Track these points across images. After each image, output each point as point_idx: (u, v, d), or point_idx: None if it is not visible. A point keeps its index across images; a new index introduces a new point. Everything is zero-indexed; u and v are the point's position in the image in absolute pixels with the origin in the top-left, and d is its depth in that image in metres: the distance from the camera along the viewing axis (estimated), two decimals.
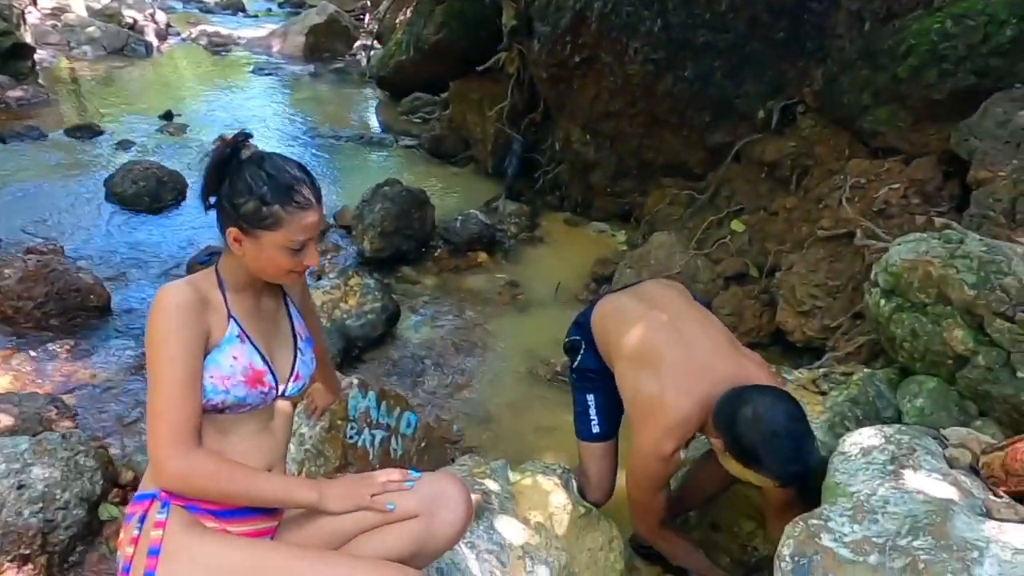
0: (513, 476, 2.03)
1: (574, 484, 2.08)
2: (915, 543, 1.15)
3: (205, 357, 1.29)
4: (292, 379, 1.43)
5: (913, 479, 1.35)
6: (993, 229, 1.99)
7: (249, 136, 1.34)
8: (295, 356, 1.45)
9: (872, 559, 1.16)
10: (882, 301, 1.89)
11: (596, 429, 2.09)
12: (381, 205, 4.01)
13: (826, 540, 1.22)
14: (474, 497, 1.73)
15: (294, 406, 1.54)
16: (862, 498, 1.32)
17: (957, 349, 1.67)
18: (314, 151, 5.78)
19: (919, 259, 1.78)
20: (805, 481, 1.56)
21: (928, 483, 1.33)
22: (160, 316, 1.26)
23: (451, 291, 3.93)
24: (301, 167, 1.33)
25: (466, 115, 5.37)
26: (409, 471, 1.48)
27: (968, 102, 2.60)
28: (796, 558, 1.19)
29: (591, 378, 2.12)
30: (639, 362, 1.86)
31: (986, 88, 2.56)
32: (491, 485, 1.89)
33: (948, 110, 2.68)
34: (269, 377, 1.37)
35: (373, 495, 1.42)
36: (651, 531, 1.94)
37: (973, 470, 1.44)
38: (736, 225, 3.54)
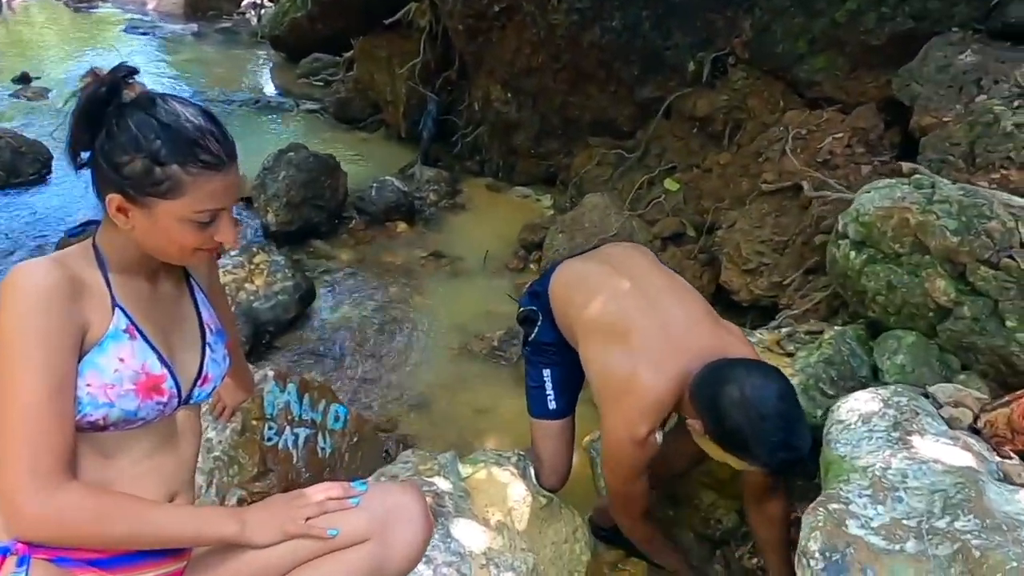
0: (464, 469, 1.80)
1: (531, 471, 1.87)
2: (957, 524, 1.02)
3: (80, 359, 0.96)
4: (199, 383, 1.13)
5: (924, 446, 1.22)
6: (953, 174, 1.91)
7: (134, 72, 0.99)
8: (203, 354, 1.13)
9: (909, 546, 1.02)
10: (852, 253, 1.76)
11: (553, 405, 1.88)
12: (286, 173, 3.60)
13: (853, 528, 1.07)
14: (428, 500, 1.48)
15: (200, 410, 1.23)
16: (877, 473, 1.18)
17: (940, 300, 1.57)
18: None
19: (895, 206, 1.65)
20: (796, 468, 1.41)
21: (941, 450, 1.20)
22: (14, 304, 0.92)
23: (370, 265, 3.60)
24: (207, 114, 1.00)
25: (373, 75, 4.96)
26: (352, 485, 1.21)
27: (905, 48, 2.54)
28: (828, 554, 1.03)
29: (547, 351, 1.90)
30: (606, 336, 1.65)
31: (923, 32, 2.50)
32: (442, 484, 1.64)
33: (885, 57, 2.62)
34: (169, 383, 1.05)
35: (308, 519, 1.14)
36: (633, 523, 1.75)
37: (973, 430, 1.34)
38: (670, 184, 3.40)
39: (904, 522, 1.06)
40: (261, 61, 6.75)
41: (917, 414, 1.31)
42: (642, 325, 1.60)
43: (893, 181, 1.77)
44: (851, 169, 2.43)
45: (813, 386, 1.76)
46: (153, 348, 1.04)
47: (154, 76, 5.88)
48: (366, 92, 5.18)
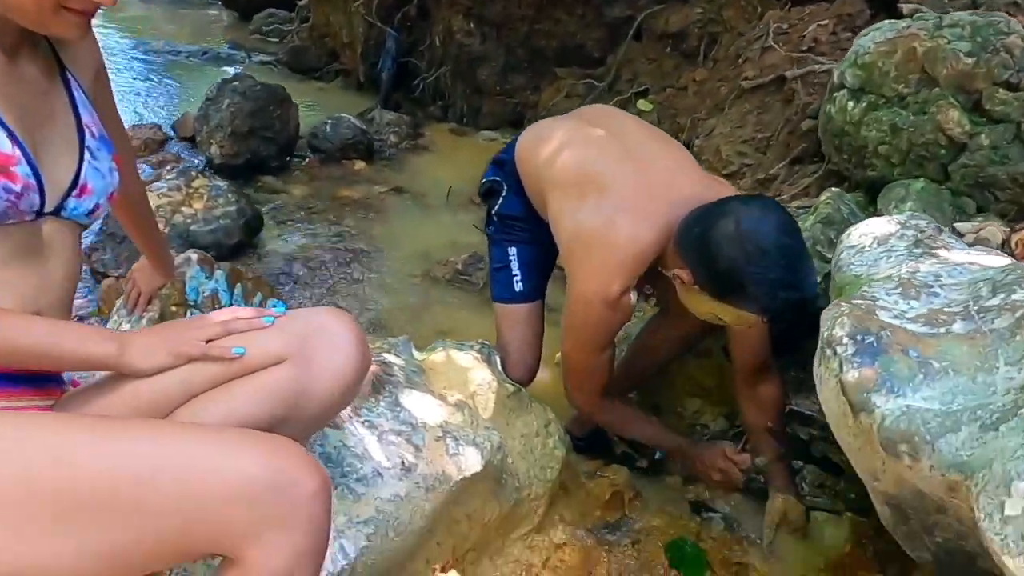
0: (419, 355, 1.57)
1: (496, 360, 1.65)
2: (1014, 297, 0.82)
3: None
4: (75, 193, 0.88)
5: (953, 256, 1.03)
6: None
7: None
8: (80, 159, 0.89)
9: (957, 327, 0.82)
10: (850, 104, 1.58)
11: (519, 287, 1.66)
12: (230, 101, 3.33)
13: (885, 317, 0.87)
14: (373, 371, 1.25)
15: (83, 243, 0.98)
16: (904, 276, 0.98)
17: (953, 134, 1.39)
18: (144, 66, 4.88)
19: (899, 36, 1.47)
20: (798, 313, 1.21)
21: (974, 256, 1.01)
22: None
23: (325, 199, 3.35)
24: None
25: (329, 17, 4.69)
26: (269, 307, 0.98)
27: None
28: (859, 337, 0.83)
29: (513, 227, 1.68)
30: (579, 188, 1.43)
31: None
32: (392, 359, 1.41)
33: None
34: (24, 169, 0.81)
35: (209, 340, 0.91)
36: (591, 403, 1.54)
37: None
38: (643, 105, 3.21)
39: (946, 310, 0.87)
40: (212, 19, 6.43)
41: (941, 232, 1.12)
42: (619, 173, 1.40)
43: (894, 20, 1.58)
44: (838, 55, 2.26)
45: (811, 250, 1.57)
46: (2, 124, 0.81)
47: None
48: (322, 39, 4.91)
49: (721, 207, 1.23)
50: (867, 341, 0.83)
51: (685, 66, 3.22)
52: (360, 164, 3.68)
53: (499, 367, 1.63)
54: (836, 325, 0.88)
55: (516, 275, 1.66)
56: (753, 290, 1.17)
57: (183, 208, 2.70)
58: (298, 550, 0.77)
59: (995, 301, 0.84)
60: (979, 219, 1.39)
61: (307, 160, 3.64)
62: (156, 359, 0.89)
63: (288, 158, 3.58)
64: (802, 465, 1.72)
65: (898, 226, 1.14)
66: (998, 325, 0.81)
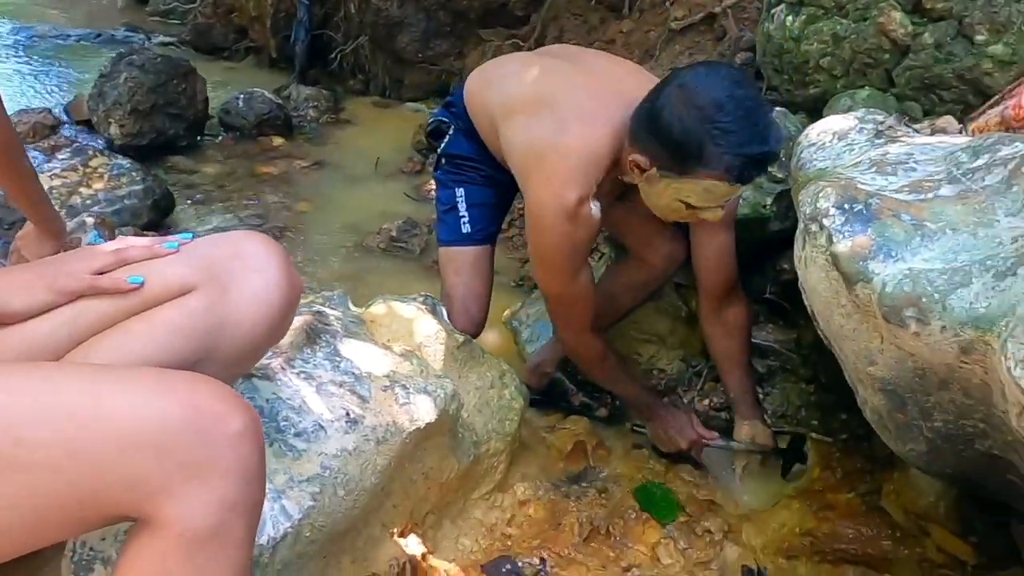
0: (356, 309, 1.43)
1: (442, 310, 1.53)
2: (1002, 153, 0.77)
3: None
4: None
5: (920, 139, 0.98)
6: None
7: None
8: None
9: (945, 191, 0.77)
10: (789, 19, 1.54)
11: (466, 228, 1.55)
12: (128, 76, 3.05)
13: (870, 188, 0.80)
14: (306, 320, 1.11)
15: None
16: (875, 158, 0.92)
17: (897, 35, 1.36)
18: (27, 51, 4.46)
19: None
20: (766, 169, 1.13)
21: (943, 138, 0.97)
22: None
23: (242, 177, 3.12)
24: None
25: None
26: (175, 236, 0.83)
27: None
28: (848, 206, 0.76)
29: (461, 167, 1.57)
30: (529, 108, 1.34)
31: None
32: (327, 310, 1.27)
33: None
34: None
35: (100, 271, 0.76)
36: (583, 339, 1.43)
37: None
38: None
39: (928, 180, 0.81)
40: (104, 3, 5.96)
41: (900, 122, 1.07)
42: (569, 85, 1.31)
43: None
44: None
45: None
46: None
47: None
48: (228, 16, 4.60)
49: (667, 78, 1.15)
50: (856, 209, 0.76)
51: (611, 19, 3.15)
52: (279, 140, 3.46)
53: (445, 318, 1.52)
54: (820, 198, 0.81)
55: (464, 216, 1.55)
56: (713, 149, 1.07)
57: (81, 189, 2.45)
58: (225, 500, 0.63)
59: (980, 162, 0.79)
60: (927, 122, 1.37)
61: (220, 138, 3.39)
62: (33, 297, 0.73)
63: (199, 136, 3.33)
64: (763, 394, 1.68)
65: (856, 121, 1.09)
66: (990, 181, 0.76)
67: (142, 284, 0.75)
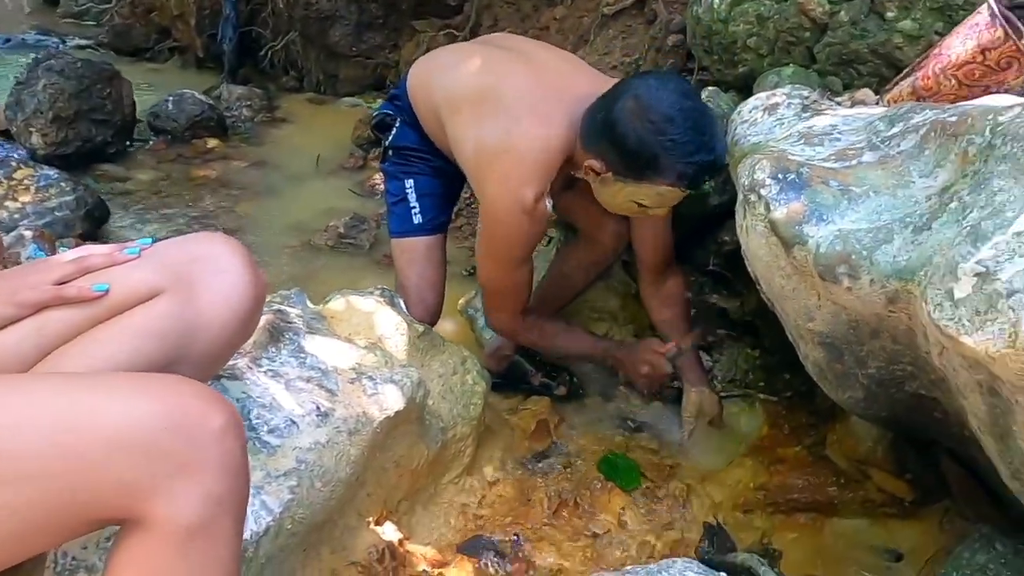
0: (315, 307, 1.44)
1: (400, 302, 1.55)
2: (914, 119, 0.85)
3: None
4: None
5: (842, 111, 1.06)
6: None
7: None
8: None
9: (867, 158, 0.84)
10: (717, 1, 1.61)
11: (418, 219, 1.57)
12: (47, 82, 2.92)
13: (800, 159, 0.87)
14: (268, 319, 1.12)
15: None
16: (802, 131, 1.00)
17: (815, 14, 1.44)
18: None
19: None
20: (713, 175, 1.21)
21: (862, 109, 1.05)
22: None
23: (179, 182, 3.03)
24: None
25: None
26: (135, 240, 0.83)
27: None
28: (781, 176, 0.82)
29: (409, 158, 1.58)
30: (475, 106, 1.37)
31: None
32: (287, 308, 1.28)
33: None
34: None
35: (61, 281, 0.76)
36: (512, 323, 1.49)
37: None
38: None
39: (851, 148, 0.89)
40: (8, 6, 5.64)
41: (823, 96, 1.15)
42: (513, 81, 1.35)
43: None
44: None
45: None
46: None
47: None
48: (148, 15, 4.44)
49: (618, 88, 1.22)
50: (789, 178, 0.83)
51: (544, 6, 3.19)
52: (213, 142, 3.37)
53: (403, 309, 1.54)
54: (756, 170, 0.87)
55: (414, 207, 1.57)
56: (666, 160, 1.16)
57: (7, 203, 2.34)
58: (212, 495, 0.65)
59: (895, 130, 0.87)
60: (846, 95, 1.46)
61: (151, 143, 3.28)
62: None
63: (128, 142, 3.22)
64: (712, 362, 1.77)
65: (784, 96, 1.16)
66: (905, 147, 0.83)
67: (107, 291, 0.75)
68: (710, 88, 1.65)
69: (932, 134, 0.82)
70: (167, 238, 0.85)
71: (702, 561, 1.11)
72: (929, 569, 1.07)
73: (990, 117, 0.74)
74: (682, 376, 1.65)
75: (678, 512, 1.49)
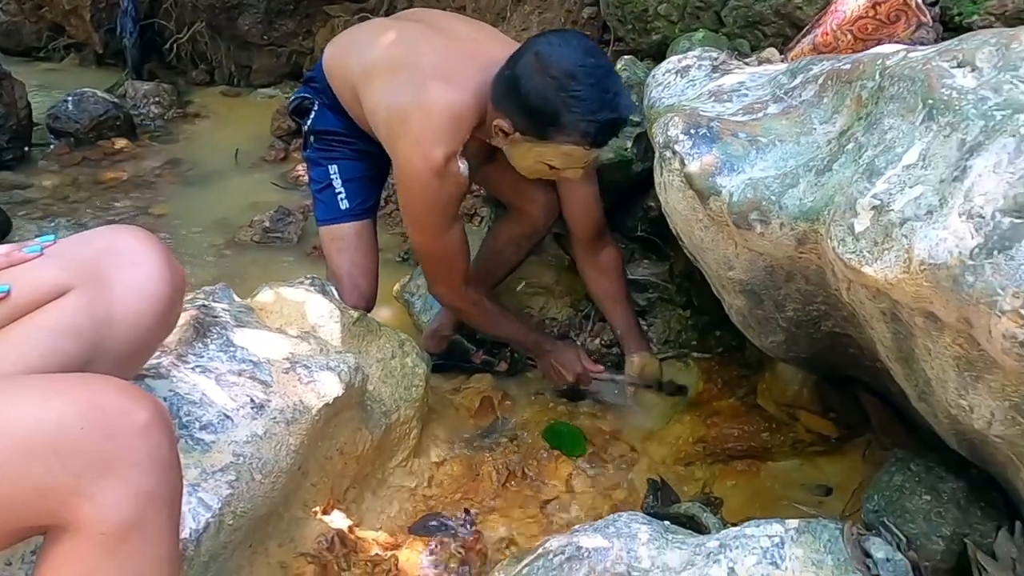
0: (242, 301, 1.40)
1: (332, 289, 1.52)
2: (813, 72, 0.88)
3: None
4: None
5: (749, 70, 1.10)
6: None
7: None
8: None
9: (772, 109, 0.87)
10: None
11: (344, 204, 1.54)
12: None
13: (711, 114, 0.90)
14: (192, 315, 1.08)
15: None
16: (712, 90, 1.03)
17: None
18: None
19: None
20: (617, 134, 1.23)
21: (767, 67, 1.09)
22: None
23: (87, 186, 2.88)
24: None
25: None
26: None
27: None
28: (693, 131, 0.85)
29: (331, 142, 1.55)
30: (388, 71, 1.35)
31: None
32: (213, 304, 1.23)
33: None
34: None
35: None
36: (455, 293, 1.49)
37: None
38: None
39: (758, 103, 0.92)
40: None
41: (732, 57, 1.19)
42: (427, 48, 1.34)
43: None
44: None
45: None
46: None
47: None
48: (37, 11, 4.16)
49: (523, 47, 1.22)
50: (701, 132, 0.86)
51: None
52: (122, 142, 3.21)
53: (336, 296, 1.51)
54: (669, 127, 0.90)
55: (340, 192, 1.54)
56: (569, 117, 1.16)
57: None
58: (142, 492, 0.63)
59: (797, 81, 0.91)
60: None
61: (52, 147, 3.10)
62: None
63: (26, 147, 3.03)
64: (647, 326, 1.81)
65: (695, 59, 1.19)
66: (805, 96, 0.87)
67: (8, 292, 0.71)
68: (626, 57, 1.68)
69: (829, 82, 0.86)
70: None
71: (647, 514, 1.15)
72: (856, 498, 1.14)
73: (879, 62, 0.79)
74: (622, 343, 1.69)
75: (623, 473, 1.53)
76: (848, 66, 0.83)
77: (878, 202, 0.66)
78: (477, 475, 1.48)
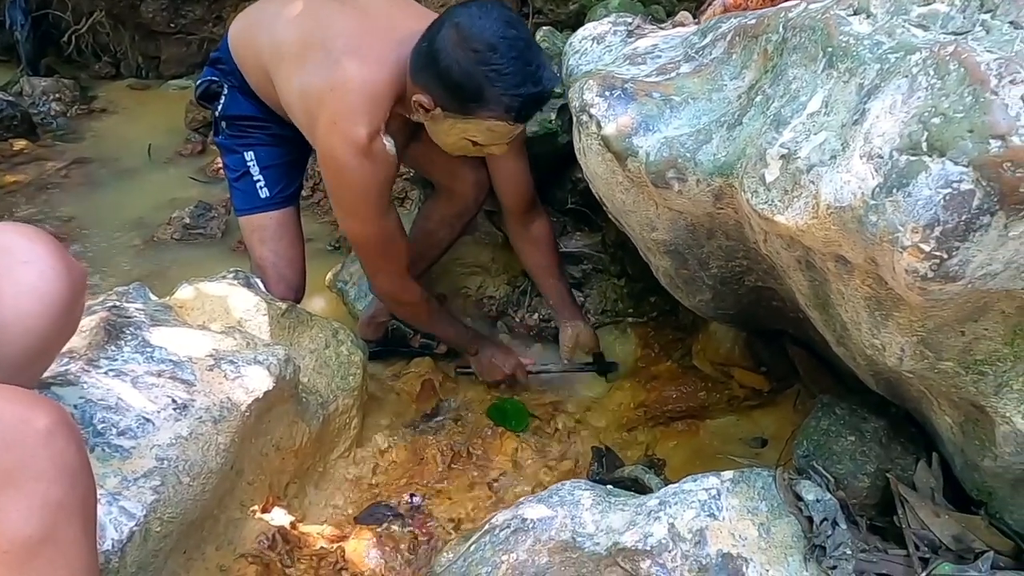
0: (159, 299, 1.33)
1: (259, 283, 1.47)
2: (721, 29, 0.89)
3: None
4: None
5: (663, 33, 1.10)
6: None
7: None
8: None
9: (684, 69, 0.88)
10: None
11: (264, 192, 1.48)
12: None
13: (625, 76, 0.90)
14: (102, 317, 1.02)
15: None
16: (627, 53, 1.02)
17: None
18: None
19: None
20: (542, 107, 1.22)
21: (680, 30, 1.09)
22: None
23: None
24: None
25: None
26: None
27: None
28: (608, 93, 0.85)
29: (245, 128, 1.48)
30: (300, 54, 1.29)
31: None
32: (126, 304, 1.17)
33: None
34: None
35: None
36: (400, 283, 1.44)
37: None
38: None
39: (671, 62, 0.92)
40: None
41: (646, 22, 1.19)
42: (337, 25, 1.28)
43: None
44: None
45: None
46: None
47: None
48: None
49: (441, 19, 1.18)
50: (616, 95, 0.86)
51: None
52: (21, 143, 3.01)
53: (262, 288, 1.46)
54: (585, 91, 0.89)
55: (258, 180, 1.47)
56: (491, 91, 1.13)
57: None
58: (50, 503, 0.59)
59: (707, 40, 0.92)
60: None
61: None
62: None
63: None
64: (584, 297, 1.82)
65: (610, 25, 1.19)
66: (715, 54, 0.88)
67: None
68: (545, 28, 1.67)
69: (737, 38, 0.87)
70: None
71: (593, 481, 1.16)
72: (789, 447, 1.18)
73: (782, 15, 0.80)
74: (556, 315, 1.69)
75: (568, 444, 1.54)
76: (754, 21, 0.84)
77: (785, 151, 0.67)
78: (422, 459, 1.46)
